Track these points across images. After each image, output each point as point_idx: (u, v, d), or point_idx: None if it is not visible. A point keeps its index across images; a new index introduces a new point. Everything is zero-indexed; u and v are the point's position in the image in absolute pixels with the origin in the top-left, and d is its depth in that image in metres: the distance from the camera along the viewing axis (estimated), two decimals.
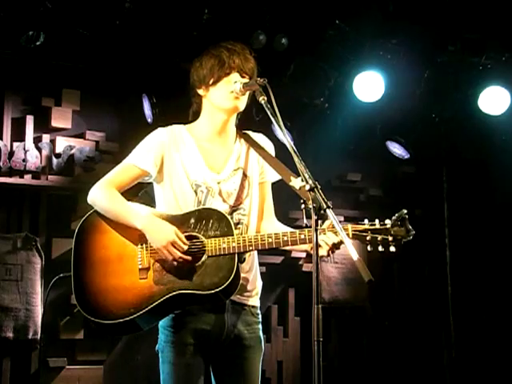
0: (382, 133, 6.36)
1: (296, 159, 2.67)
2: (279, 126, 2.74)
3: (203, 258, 2.90)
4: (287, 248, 2.99)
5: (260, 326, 3.11)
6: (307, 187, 2.58)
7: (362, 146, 6.43)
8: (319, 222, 2.55)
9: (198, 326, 2.97)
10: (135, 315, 2.87)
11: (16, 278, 5.09)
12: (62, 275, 4.68)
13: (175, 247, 2.87)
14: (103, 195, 3.01)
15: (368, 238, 2.86)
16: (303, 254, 6.19)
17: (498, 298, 6.60)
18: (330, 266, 6.31)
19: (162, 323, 3.01)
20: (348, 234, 2.85)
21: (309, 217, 2.55)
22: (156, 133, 3.11)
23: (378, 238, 2.85)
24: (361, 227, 2.88)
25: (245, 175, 3.12)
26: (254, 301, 3.11)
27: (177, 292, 2.88)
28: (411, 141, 6.38)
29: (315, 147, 5.99)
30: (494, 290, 6.61)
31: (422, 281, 6.71)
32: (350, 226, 2.89)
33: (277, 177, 3.18)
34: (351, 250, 2.39)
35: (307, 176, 2.61)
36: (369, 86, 5.74)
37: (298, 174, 2.88)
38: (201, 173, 3.05)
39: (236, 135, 3.18)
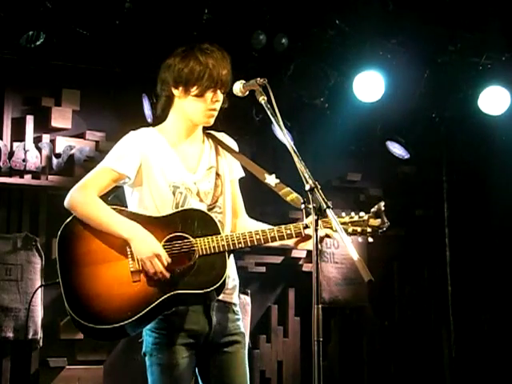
0: (382, 133, 6.36)
1: (296, 159, 2.67)
2: (279, 125, 2.74)
3: (194, 258, 2.90)
4: (274, 244, 3.00)
5: (240, 323, 3.13)
6: (307, 187, 2.58)
7: (362, 146, 6.43)
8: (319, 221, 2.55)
9: (186, 326, 2.97)
10: (134, 318, 2.84)
11: (16, 278, 5.10)
12: (44, 284, 4.67)
13: (159, 260, 2.86)
14: (84, 201, 2.95)
15: (349, 230, 2.94)
16: (303, 254, 6.20)
17: (498, 297, 6.60)
18: (330, 266, 6.31)
19: (148, 325, 2.99)
20: (332, 227, 2.89)
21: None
22: (130, 136, 3.07)
23: (358, 230, 2.94)
24: (342, 220, 2.96)
25: (217, 174, 3.13)
26: (235, 298, 3.13)
27: (174, 292, 2.87)
28: (411, 141, 6.38)
29: (315, 147, 5.99)
30: (494, 289, 6.62)
31: (422, 281, 6.72)
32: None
33: (242, 173, 3.23)
34: (351, 250, 2.39)
35: (307, 176, 2.60)
36: (369, 85, 5.73)
37: (270, 172, 3.02)
38: (179, 174, 3.05)
39: (202, 135, 3.20)
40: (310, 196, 2.56)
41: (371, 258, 5.97)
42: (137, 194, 3.07)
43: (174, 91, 3.07)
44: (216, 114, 3.08)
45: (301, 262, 6.25)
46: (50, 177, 5.35)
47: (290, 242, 3.02)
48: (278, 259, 6.13)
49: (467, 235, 6.69)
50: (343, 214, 2.96)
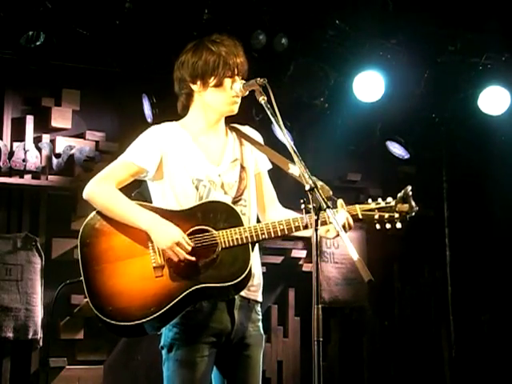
0: (381, 133, 6.36)
1: (296, 159, 2.67)
2: (279, 125, 2.73)
3: (217, 251, 2.87)
4: (299, 234, 2.96)
5: (261, 324, 3.10)
6: (307, 187, 2.58)
7: (361, 146, 6.43)
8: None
9: (208, 324, 2.93)
10: (157, 314, 2.81)
11: (16, 278, 5.10)
12: (68, 282, 4.64)
13: (180, 247, 2.84)
14: (103, 192, 2.95)
15: (376, 216, 2.91)
16: (303, 254, 6.20)
17: (497, 297, 6.60)
18: (330, 266, 6.31)
19: None
20: (357, 215, 2.90)
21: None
22: (152, 130, 3.07)
23: (385, 216, 2.90)
24: (368, 207, 2.92)
25: (242, 167, 3.10)
26: (259, 296, 3.09)
27: (198, 286, 2.83)
28: (411, 141, 6.38)
29: (315, 147, 5.99)
30: (494, 289, 6.62)
31: (422, 280, 6.72)
32: (358, 207, 2.92)
33: (269, 165, 3.18)
34: (351, 250, 2.39)
35: (307, 176, 2.61)
36: (369, 86, 5.74)
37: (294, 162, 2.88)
38: (202, 167, 3.03)
39: (226, 128, 3.18)
40: (309, 196, 2.55)
41: (371, 258, 5.97)
42: (159, 187, 3.05)
43: (193, 86, 3.06)
44: (239, 100, 3.05)
45: (301, 262, 6.25)
46: (50, 177, 5.35)
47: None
48: (278, 259, 6.12)
49: (467, 235, 6.69)
50: (370, 201, 2.93)
